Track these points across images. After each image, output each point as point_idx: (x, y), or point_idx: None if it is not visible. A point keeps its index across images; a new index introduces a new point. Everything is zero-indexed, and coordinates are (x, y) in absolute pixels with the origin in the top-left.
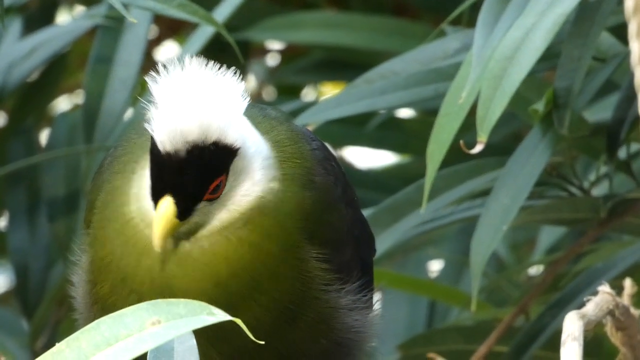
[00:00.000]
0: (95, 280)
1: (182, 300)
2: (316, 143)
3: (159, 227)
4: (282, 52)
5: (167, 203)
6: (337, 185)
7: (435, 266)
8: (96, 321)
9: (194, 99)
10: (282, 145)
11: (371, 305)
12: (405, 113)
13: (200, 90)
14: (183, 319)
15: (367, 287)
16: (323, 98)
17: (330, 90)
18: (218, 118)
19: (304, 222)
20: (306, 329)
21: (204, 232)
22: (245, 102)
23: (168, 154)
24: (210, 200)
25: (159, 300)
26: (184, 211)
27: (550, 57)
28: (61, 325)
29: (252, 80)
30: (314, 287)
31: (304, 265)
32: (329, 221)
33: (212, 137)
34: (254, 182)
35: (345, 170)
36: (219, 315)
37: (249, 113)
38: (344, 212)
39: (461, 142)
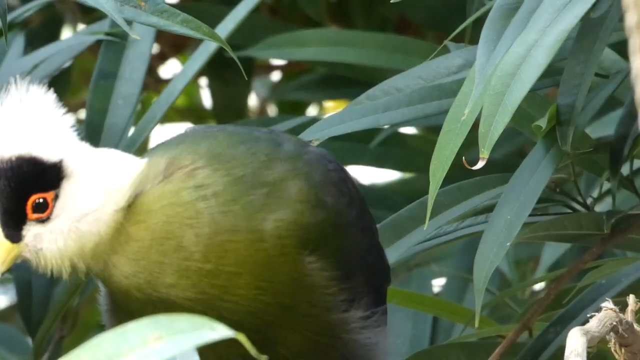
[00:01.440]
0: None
1: (184, 315)
2: (334, 165)
3: None
4: (285, 69)
5: None
6: (352, 208)
7: (439, 283)
8: (98, 337)
9: (3, 114)
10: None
11: (384, 337)
12: (408, 130)
13: (13, 108)
14: (185, 335)
15: (380, 317)
16: (326, 115)
17: (333, 108)
18: (23, 131)
19: (304, 236)
20: (314, 349)
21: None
22: (65, 124)
23: None
24: (41, 221)
25: (161, 316)
26: (13, 232)
27: (552, 73)
28: (65, 342)
29: (254, 98)
30: (320, 306)
31: (300, 277)
32: (338, 243)
33: (16, 149)
34: (92, 209)
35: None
36: (221, 331)
37: (254, 148)
38: (358, 236)
39: (463, 158)
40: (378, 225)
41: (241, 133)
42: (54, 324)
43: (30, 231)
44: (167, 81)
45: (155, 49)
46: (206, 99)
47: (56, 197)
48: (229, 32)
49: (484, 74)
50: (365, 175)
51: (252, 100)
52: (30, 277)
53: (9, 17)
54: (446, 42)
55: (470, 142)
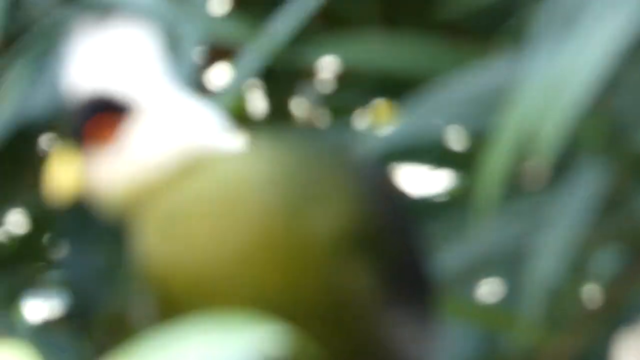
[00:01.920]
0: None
1: (239, 317)
2: (382, 172)
3: (54, 171)
4: (335, 74)
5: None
6: (398, 216)
7: (490, 292)
8: (148, 340)
9: (95, 49)
10: (309, 170)
11: (431, 347)
12: (455, 137)
13: (107, 41)
14: (240, 335)
15: (427, 326)
16: (375, 120)
17: (382, 112)
18: (111, 65)
19: (348, 243)
20: (353, 357)
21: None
22: (158, 66)
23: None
24: (105, 156)
25: (215, 316)
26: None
27: (603, 81)
28: (116, 348)
29: (303, 103)
30: (360, 314)
31: (341, 283)
32: (383, 252)
33: (98, 82)
34: (155, 153)
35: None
36: (278, 332)
37: (308, 152)
38: (404, 245)
39: (520, 168)
40: (426, 234)
41: (296, 138)
42: (105, 333)
43: (94, 163)
44: (216, 87)
45: (204, 54)
46: (256, 105)
47: (126, 133)
48: (279, 37)
49: (532, 81)
50: (414, 183)
51: (302, 106)
52: (81, 280)
53: (51, 19)
54: (494, 47)
55: (519, 151)
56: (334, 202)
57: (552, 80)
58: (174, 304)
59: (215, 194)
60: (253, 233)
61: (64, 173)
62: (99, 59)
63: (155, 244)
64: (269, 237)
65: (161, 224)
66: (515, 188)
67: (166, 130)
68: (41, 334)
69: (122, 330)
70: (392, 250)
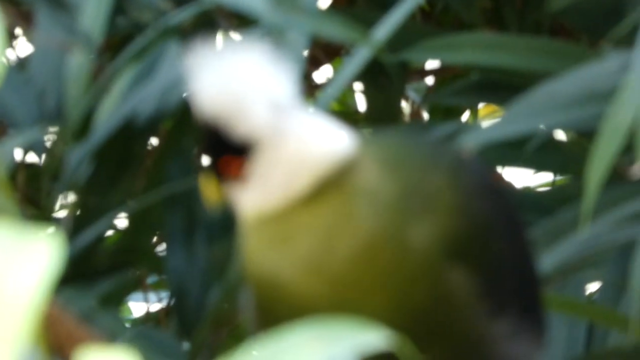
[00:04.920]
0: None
1: (343, 320)
2: (484, 173)
3: (207, 189)
4: (439, 74)
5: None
6: (501, 217)
7: (594, 288)
8: (251, 343)
9: (225, 73)
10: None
11: (537, 348)
12: (563, 135)
13: (238, 69)
14: (344, 339)
15: (532, 326)
16: (480, 120)
17: (486, 112)
18: (233, 90)
19: (450, 248)
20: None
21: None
22: (290, 97)
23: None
24: (235, 180)
25: (318, 320)
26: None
27: None
28: (219, 348)
29: (408, 103)
30: (461, 319)
31: (442, 289)
32: (484, 254)
33: (220, 108)
34: (267, 186)
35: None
36: (383, 337)
37: (417, 155)
38: (506, 246)
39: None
40: (531, 231)
41: (405, 140)
42: (209, 330)
43: (227, 186)
44: (321, 86)
45: (308, 54)
46: (360, 104)
47: (254, 160)
48: (383, 36)
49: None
50: (519, 179)
51: (406, 105)
52: (185, 283)
53: (163, 22)
54: (602, 45)
55: (627, 148)
56: (439, 211)
57: None
58: (275, 313)
59: (324, 207)
60: (360, 248)
61: (210, 189)
62: (225, 76)
63: (262, 250)
64: (375, 252)
65: (270, 231)
66: (621, 181)
67: (294, 150)
68: (145, 334)
69: (230, 331)
70: (496, 252)
